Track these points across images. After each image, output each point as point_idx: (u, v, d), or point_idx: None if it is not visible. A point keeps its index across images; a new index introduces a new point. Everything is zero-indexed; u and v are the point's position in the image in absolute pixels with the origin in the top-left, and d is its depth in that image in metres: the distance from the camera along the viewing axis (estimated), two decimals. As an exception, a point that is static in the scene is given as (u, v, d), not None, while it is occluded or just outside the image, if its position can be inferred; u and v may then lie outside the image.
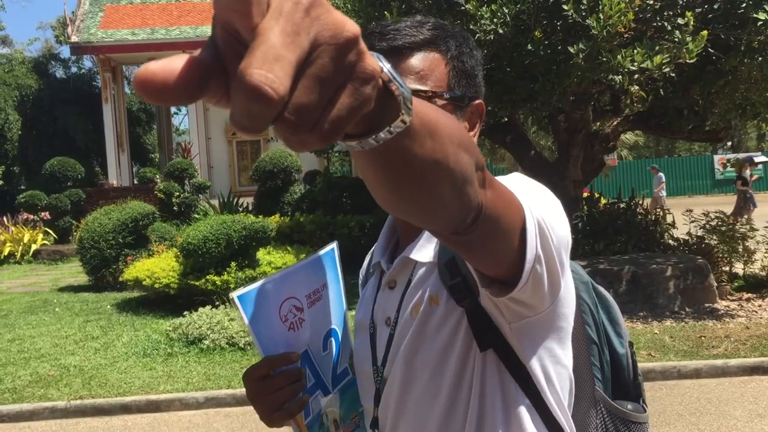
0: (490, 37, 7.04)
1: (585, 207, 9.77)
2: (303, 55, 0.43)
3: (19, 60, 27.46)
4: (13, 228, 16.79)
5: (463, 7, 7.21)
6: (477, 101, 1.09)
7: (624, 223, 9.55)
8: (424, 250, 1.08)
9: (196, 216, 15.04)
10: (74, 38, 19.87)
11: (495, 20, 6.98)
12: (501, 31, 6.99)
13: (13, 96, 23.91)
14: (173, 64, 0.45)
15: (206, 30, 20.36)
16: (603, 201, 10.60)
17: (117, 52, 20.52)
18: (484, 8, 7.06)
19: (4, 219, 18.22)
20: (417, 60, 1.03)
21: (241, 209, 14.72)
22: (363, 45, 0.46)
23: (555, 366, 1.01)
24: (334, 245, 1.09)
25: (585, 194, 10.54)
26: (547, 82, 7.21)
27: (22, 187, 22.03)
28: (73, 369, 6.59)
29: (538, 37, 6.91)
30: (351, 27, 0.45)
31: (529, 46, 7.02)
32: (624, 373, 1.19)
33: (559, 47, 7.09)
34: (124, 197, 15.76)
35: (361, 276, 1.29)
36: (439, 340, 1.02)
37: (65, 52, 28.77)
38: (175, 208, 15.90)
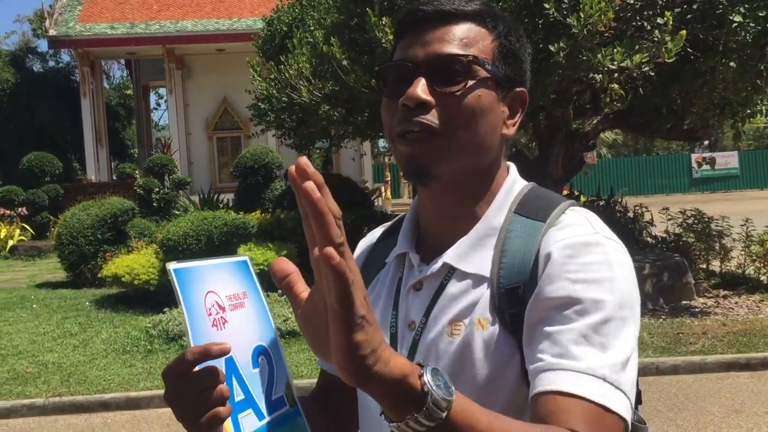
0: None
1: (565, 204, 9.84)
2: None
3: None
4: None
5: (445, 5, 7.22)
6: (521, 88, 1.04)
7: (603, 221, 9.64)
8: (469, 259, 0.99)
9: (176, 212, 14.94)
10: (52, 32, 19.63)
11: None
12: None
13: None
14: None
15: (186, 25, 20.21)
16: (583, 199, 10.70)
17: (96, 46, 20.31)
18: (466, 6, 7.07)
19: None
20: (462, 29, 0.98)
21: (221, 205, 14.64)
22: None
23: None
24: (246, 258, 0.97)
25: (565, 192, 10.62)
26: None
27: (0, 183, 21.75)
28: (52, 366, 6.53)
29: (520, 36, 6.94)
30: None
31: (511, 44, 7.05)
32: None
33: (540, 45, 7.13)
34: (103, 193, 15.59)
35: None
36: (487, 367, 0.92)
37: (43, 45, 28.46)
38: (154, 204, 15.79)
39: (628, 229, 9.83)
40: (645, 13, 6.93)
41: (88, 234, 10.74)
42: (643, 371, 5.95)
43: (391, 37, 7.11)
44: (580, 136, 9.82)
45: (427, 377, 0.69)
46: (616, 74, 6.58)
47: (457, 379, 0.89)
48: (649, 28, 6.84)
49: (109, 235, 10.99)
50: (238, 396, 0.88)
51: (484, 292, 0.95)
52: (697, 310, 7.74)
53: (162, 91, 28.21)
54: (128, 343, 7.12)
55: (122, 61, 28.76)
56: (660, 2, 6.89)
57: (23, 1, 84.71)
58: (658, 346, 6.39)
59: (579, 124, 10.20)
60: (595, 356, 0.83)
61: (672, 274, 8.08)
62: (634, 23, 7.06)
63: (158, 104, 37.46)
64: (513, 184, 1.06)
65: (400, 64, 0.98)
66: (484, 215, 1.01)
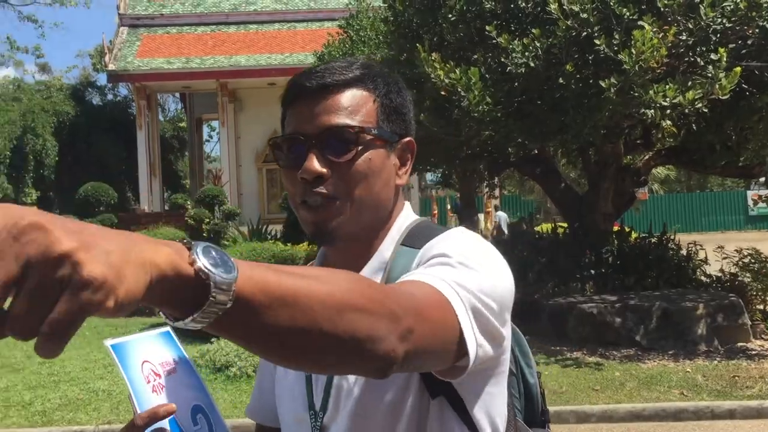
0: (521, 70, 7.07)
1: (615, 241, 9.68)
2: (10, 276, 0.50)
3: (57, 87, 28.18)
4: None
5: (494, 41, 7.26)
6: (407, 138, 1.12)
7: (655, 258, 9.43)
8: None
9: (226, 243, 15.17)
10: (111, 66, 20.35)
11: (527, 53, 7.02)
12: (532, 64, 7.02)
13: (51, 122, 24.48)
14: None
15: (239, 59, 20.74)
16: (634, 235, 10.48)
17: (152, 80, 20.97)
18: (516, 42, 7.10)
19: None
20: (345, 97, 1.05)
21: (269, 237, 14.82)
22: (81, 256, 0.51)
23: (495, 407, 1.05)
24: (168, 329, 1.04)
25: (615, 228, 10.44)
26: (579, 116, 7.21)
27: (57, 211, 22.44)
28: (102, 393, 6.64)
29: (570, 71, 6.93)
30: (62, 246, 0.51)
31: (561, 80, 7.04)
32: (535, 401, 1.22)
33: (591, 81, 7.10)
34: (156, 223, 15.97)
35: None
36: (392, 387, 1.00)
37: (102, 79, 29.48)
38: (204, 234, 16.07)
39: (681, 267, 9.58)
40: (698, 49, 6.84)
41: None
42: (698, 415, 5.75)
43: (440, 72, 7.18)
44: (631, 171, 9.69)
45: (200, 260, 0.62)
46: (668, 111, 6.50)
47: (368, 401, 1.01)
48: (702, 63, 6.75)
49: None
50: None
51: None
52: (753, 352, 7.46)
53: (214, 123, 28.88)
54: (176, 372, 7.20)
55: (177, 95, 29.59)
56: (713, 38, 6.80)
57: (85, 36, 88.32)
58: (713, 390, 6.18)
59: (630, 160, 10.06)
60: (438, 272, 0.92)
61: (727, 314, 7.83)
62: (686, 59, 6.97)
63: (210, 136, 38.36)
64: (405, 220, 1.14)
65: (293, 137, 1.06)
66: (377, 251, 1.10)
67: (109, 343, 0.93)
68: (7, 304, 0.52)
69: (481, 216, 21.17)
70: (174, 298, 0.62)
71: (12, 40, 39.54)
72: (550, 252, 9.72)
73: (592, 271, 9.34)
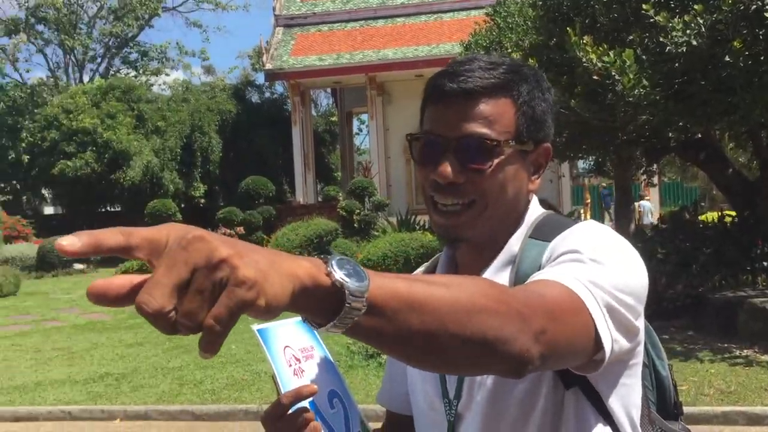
0: (682, 49, 6.64)
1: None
2: (181, 279, 0.57)
3: (221, 87, 30.06)
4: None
5: (652, 19, 6.87)
6: (545, 145, 1.11)
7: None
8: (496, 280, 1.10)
9: (375, 233, 15.54)
10: (268, 65, 21.40)
11: (688, 31, 6.58)
12: (695, 42, 6.57)
13: (215, 121, 26.20)
14: (114, 282, 0.60)
15: (387, 53, 21.09)
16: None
17: (306, 77, 21.81)
18: (675, 19, 6.68)
19: (206, 233, 19.95)
20: (486, 105, 1.04)
21: (418, 227, 14.99)
22: (236, 261, 0.58)
23: (630, 398, 1.05)
24: (300, 320, 1.09)
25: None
26: (748, 95, 6.67)
27: (222, 204, 23.99)
28: (264, 375, 7.04)
29: (738, 48, 6.41)
30: (221, 253, 0.58)
31: (728, 58, 6.53)
32: (667, 394, 1.20)
33: (762, 57, 6.54)
34: (310, 214, 16.65)
35: None
36: (524, 379, 0.98)
37: (260, 78, 31.08)
38: (355, 225, 16.54)
39: None
40: None
41: (297, 253, 11.50)
42: None
43: (592, 55, 6.91)
44: (811, 154, 8.84)
45: (336, 272, 0.66)
46: None
47: (503, 391, 1.03)
48: None
49: (315, 254, 11.65)
50: None
51: None
52: None
53: (364, 117, 29.61)
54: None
55: (328, 90, 30.60)
56: None
57: (245, 38, 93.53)
58: None
59: (809, 142, 9.18)
60: (570, 270, 0.92)
61: None
62: None
63: (360, 129, 39.37)
64: (533, 213, 1.14)
65: (430, 137, 1.07)
66: (507, 244, 1.11)
67: (255, 327, 1.01)
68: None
69: (648, 204, 20.13)
70: (315, 307, 0.67)
71: (181, 45, 42.78)
72: (716, 242, 9.10)
73: (765, 263, 8.65)
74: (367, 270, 0.70)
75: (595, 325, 0.87)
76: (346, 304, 0.66)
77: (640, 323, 0.99)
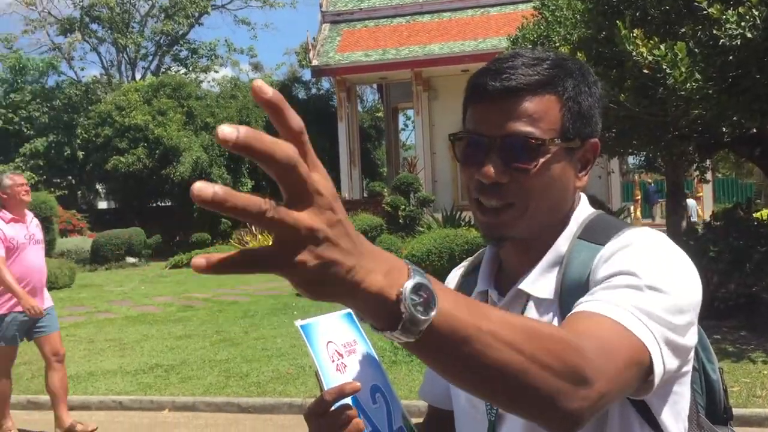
0: (737, 42, 6.46)
1: None
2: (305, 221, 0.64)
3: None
4: (260, 236, 18.57)
5: (705, 12, 6.69)
6: (592, 140, 1.08)
7: None
8: (540, 284, 1.07)
9: (420, 229, 15.53)
10: (315, 62, 21.55)
11: (743, 24, 6.39)
12: (750, 35, 6.38)
13: (262, 117, 26.50)
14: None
15: (433, 48, 21.01)
16: None
17: (352, 72, 21.90)
18: (729, 11, 6.49)
19: (252, 227, 20.22)
20: (531, 102, 1.01)
21: (463, 223, 14.93)
22: (335, 233, 0.63)
23: (679, 405, 1.03)
24: (350, 310, 1.09)
25: None
26: (806, 89, 6.45)
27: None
28: (308, 369, 7.11)
29: (796, 40, 6.20)
30: (343, 223, 0.63)
31: (785, 50, 6.33)
32: (717, 398, 1.17)
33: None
34: (355, 209, 16.74)
35: None
36: None
37: (306, 74, 31.29)
38: (401, 220, 16.56)
39: None
40: None
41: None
42: None
43: (642, 48, 6.77)
44: None
45: (406, 298, 0.66)
46: None
47: None
48: None
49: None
50: (366, 429, 1.02)
51: (555, 314, 1.04)
52: None
53: (409, 112, 29.59)
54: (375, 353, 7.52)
55: (374, 86, 30.64)
56: None
57: (292, 35, 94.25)
58: None
59: None
60: (625, 299, 0.89)
61: None
62: None
63: (406, 125, 39.32)
64: (581, 213, 1.11)
65: (473, 136, 1.04)
66: (554, 244, 1.08)
67: (299, 323, 1.03)
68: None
69: (693, 202, 19.63)
70: (376, 315, 0.67)
71: (229, 42, 43.41)
72: (772, 241, 8.83)
73: (822, 262, 8.36)
74: (443, 292, 0.70)
75: (651, 360, 0.87)
76: (398, 328, 0.67)
77: (693, 334, 0.97)
